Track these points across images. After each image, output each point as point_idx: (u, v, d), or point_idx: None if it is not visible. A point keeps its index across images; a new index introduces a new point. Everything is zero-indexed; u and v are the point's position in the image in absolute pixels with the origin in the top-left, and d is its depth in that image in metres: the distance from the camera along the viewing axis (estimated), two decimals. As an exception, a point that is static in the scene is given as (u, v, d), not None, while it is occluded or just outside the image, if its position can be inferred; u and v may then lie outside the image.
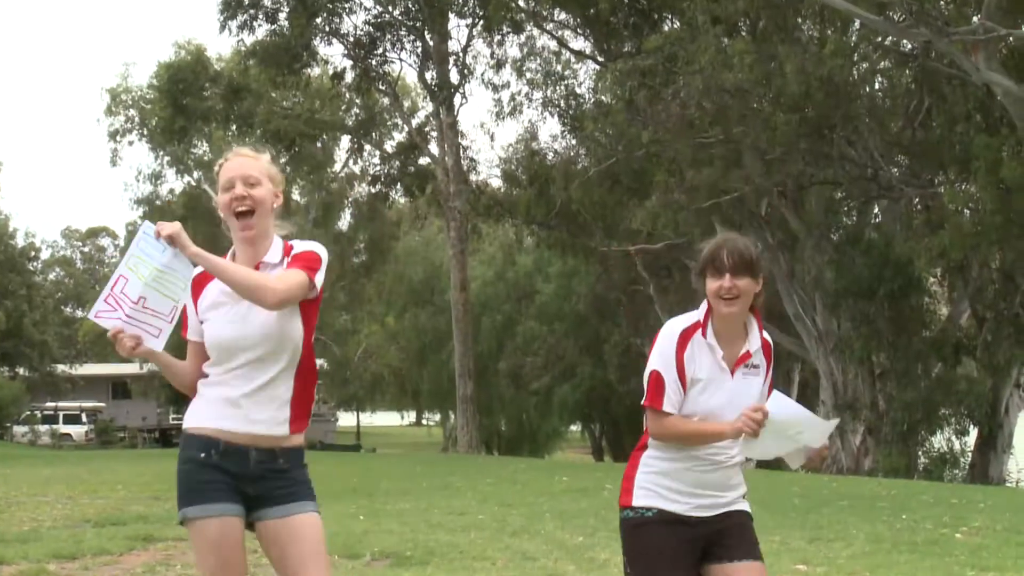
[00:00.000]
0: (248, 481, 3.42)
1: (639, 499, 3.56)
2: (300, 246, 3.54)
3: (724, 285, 3.46)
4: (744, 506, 3.64)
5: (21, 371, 51.86)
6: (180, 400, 46.74)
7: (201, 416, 3.46)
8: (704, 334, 3.53)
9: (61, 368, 54.11)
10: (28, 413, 48.05)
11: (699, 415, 3.49)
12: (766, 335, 3.64)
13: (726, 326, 3.53)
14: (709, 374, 3.51)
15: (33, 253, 56.98)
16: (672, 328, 3.55)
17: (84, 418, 49.58)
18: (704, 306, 3.53)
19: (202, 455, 3.40)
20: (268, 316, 3.39)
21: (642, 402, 3.53)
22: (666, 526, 3.52)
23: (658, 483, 3.55)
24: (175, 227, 3.29)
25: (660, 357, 3.49)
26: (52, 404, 50.36)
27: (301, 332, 3.47)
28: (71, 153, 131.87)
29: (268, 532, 3.46)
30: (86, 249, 77.10)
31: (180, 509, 3.43)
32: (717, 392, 3.48)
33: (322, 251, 3.53)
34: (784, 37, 21.49)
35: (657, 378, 3.47)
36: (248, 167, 3.54)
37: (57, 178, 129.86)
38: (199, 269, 3.39)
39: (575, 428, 50.90)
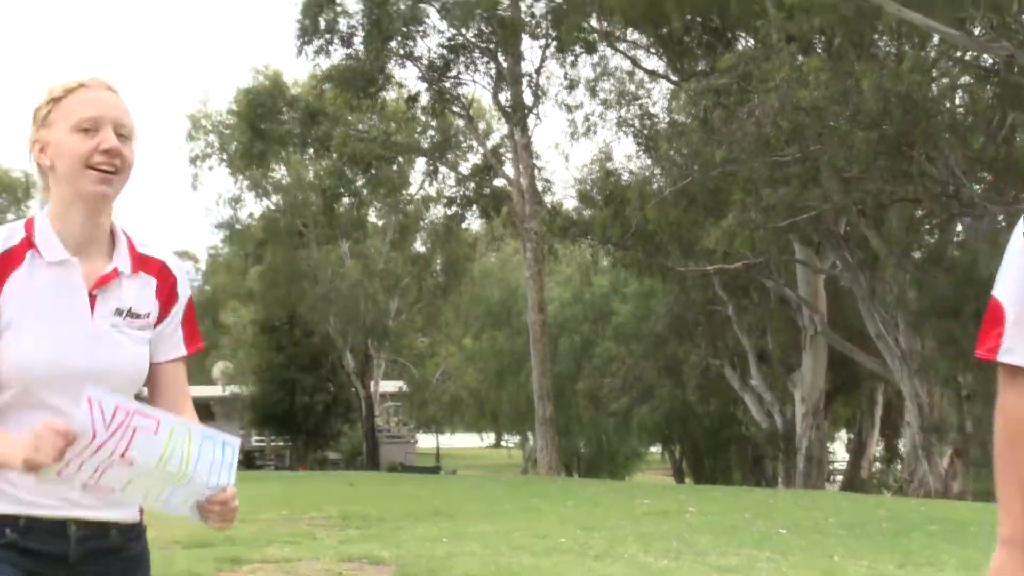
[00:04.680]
0: None
1: None
2: (178, 274, 2.46)
3: None
4: None
5: (107, 394, 52.96)
6: (263, 423, 47.43)
7: None
8: None
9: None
10: (114, 435, 48.98)
11: None
12: None
13: None
14: None
15: (118, 278, 58.25)
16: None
17: (168, 440, 50.37)
18: None
19: None
20: None
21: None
22: None
23: None
24: None
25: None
26: (137, 426, 51.29)
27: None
28: (154, 178, 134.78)
29: None
30: (169, 274, 78.78)
31: None
32: None
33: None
34: (860, 54, 21.27)
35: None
36: (123, 111, 2.31)
37: (140, 202, 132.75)
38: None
39: (655, 449, 50.58)
